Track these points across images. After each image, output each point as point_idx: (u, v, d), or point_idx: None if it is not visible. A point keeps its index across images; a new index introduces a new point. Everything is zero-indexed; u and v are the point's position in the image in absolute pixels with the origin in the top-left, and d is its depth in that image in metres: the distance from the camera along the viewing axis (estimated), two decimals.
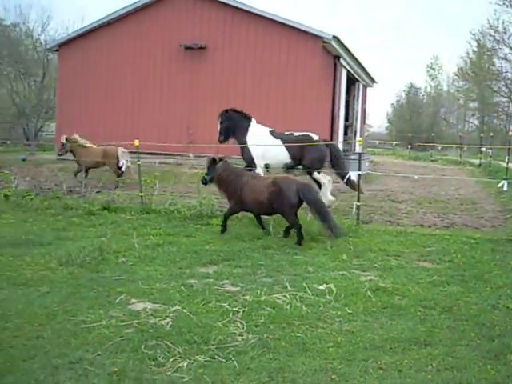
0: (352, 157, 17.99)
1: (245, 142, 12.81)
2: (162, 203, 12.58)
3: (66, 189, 14.22)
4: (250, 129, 12.92)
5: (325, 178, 12.88)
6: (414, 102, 62.59)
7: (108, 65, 23.50)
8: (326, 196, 12.51)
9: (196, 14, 22.02)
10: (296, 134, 13.09)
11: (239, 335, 5.44)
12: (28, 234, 9.86)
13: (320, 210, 9.48)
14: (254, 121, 13.06)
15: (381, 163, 28.93)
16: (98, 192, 14.38)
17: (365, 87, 31.88)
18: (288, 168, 12.84)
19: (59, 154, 17.13)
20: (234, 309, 6.13)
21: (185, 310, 6.02)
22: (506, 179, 12.62)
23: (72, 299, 6.49)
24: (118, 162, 15.95)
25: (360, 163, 11.90)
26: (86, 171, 16.32)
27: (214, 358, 4.94)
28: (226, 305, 6.25)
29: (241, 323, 5.71)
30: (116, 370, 4.70)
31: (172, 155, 21.65)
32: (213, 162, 10.38)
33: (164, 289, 6.90)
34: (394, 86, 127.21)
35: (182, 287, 6.93)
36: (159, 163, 20.49)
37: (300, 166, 12.92)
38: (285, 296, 6.59)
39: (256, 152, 12.72)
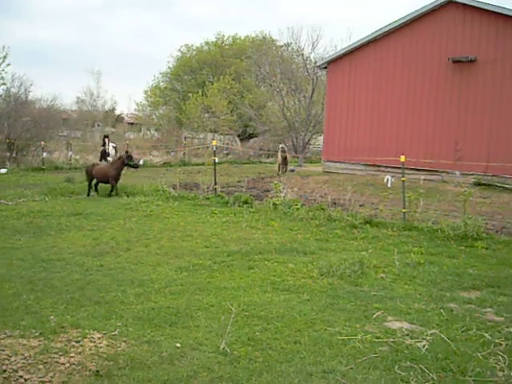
0: None
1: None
2: (424, 221, 12.31)
3: (330, 200, 14.71)
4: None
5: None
6: None
7: (374, 80, 23.73)
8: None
9: (465, 26, 21.02)
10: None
11: (500, 370, 5.06)
12: (293, 242, 10.43)
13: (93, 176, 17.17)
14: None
15: None
16: (361, 205, 14.62)
17: None
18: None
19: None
20: (496, 340, 5.72)
21: (442, 335, 5.80)
22: None
23: (330, 309, 6.69)
24: None
25: None
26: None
27: None
28: (487, 335, 5.87)
29: (503, 357, 5.31)
30: None
31: (437, 172, 21.11)
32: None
33: (422, 310, 6.75)
34: None
35: (441, 310, 6.69)
36: (424, 180, 20.08)
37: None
38: None
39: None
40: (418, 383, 4.80)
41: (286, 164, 25.56)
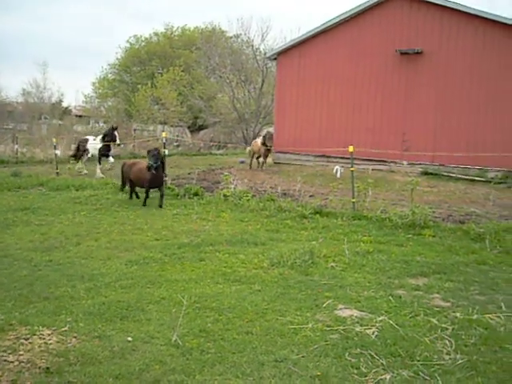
0: None
1: None
2: (373, 210, 12.52)
3: (280, 191, 14.80)
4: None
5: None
6: None
7: (323, 71, 23.84)
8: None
9: (412, 18, 21.35)
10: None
11: (446, 354, 5.23)
12: (244, 234, 10.45)
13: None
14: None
15: None
16: (311, 196, 14.75)
17: None
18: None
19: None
20: (443, 325, 5.90)
21: (391, 321, 5.95)
22: None
23: (281, 299, 6.75)
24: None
25: None
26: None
27: (418, 375, 4.80)
28: (434, 320, 6.04)
29: (449, 341, 5.48)
30: (319, 373, 4.80)
31: (385, 162, 21.45)
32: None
33: (371, 297, 6.88)
34: None
35: (390, 297, 6.85)
36: (372, 169, 20.40)
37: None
38: (499, 317, 6.18)
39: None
40: (368, 369, 4.90)
41: (267, 156, 21.93)
